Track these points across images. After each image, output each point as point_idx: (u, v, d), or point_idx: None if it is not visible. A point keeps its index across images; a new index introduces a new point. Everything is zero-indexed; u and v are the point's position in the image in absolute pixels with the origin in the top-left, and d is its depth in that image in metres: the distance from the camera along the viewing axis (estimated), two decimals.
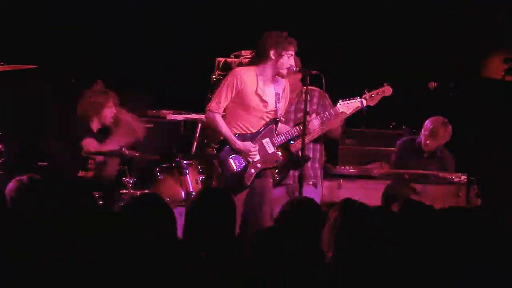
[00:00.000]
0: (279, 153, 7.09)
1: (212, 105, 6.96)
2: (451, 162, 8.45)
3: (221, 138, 7.02)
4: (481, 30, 10.68)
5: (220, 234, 4.39)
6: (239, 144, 6.95)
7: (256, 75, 6.97)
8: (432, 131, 8.32)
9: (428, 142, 8.34)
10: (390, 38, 10.48)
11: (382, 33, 10.47)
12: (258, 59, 7.03)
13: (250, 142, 6.98)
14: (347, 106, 7.15)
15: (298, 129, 7.04)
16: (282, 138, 7.08)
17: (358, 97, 7.17)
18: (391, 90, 7.24)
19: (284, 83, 7.13)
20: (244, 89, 6.93)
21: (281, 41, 6.92)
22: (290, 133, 7.07)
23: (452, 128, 8.39)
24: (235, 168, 6.96)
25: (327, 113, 7.18)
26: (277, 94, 7.07)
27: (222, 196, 4.62)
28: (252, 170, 6.99)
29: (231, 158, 6.97)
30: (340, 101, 7.17)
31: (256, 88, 6.97)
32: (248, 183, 6.95)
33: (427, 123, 8.38)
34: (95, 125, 7.99)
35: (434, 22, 10.45)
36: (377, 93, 7.24)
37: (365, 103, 7.14)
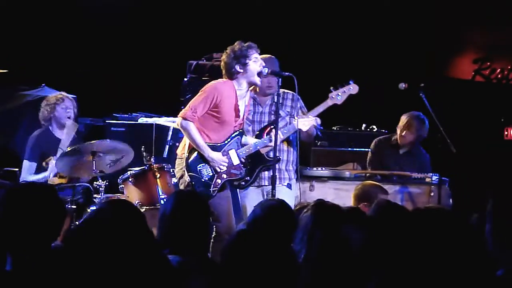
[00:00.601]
0: (243, 166, 7.12)
1: (188, 113, 6.95)
2: (426, 160, 8.48)
3: (192, 146, 7.01)
4: (449, 30, 10.77)
5: (193, 237, 4.38)
6: (212, 154, 6.98)
7: (234, 89, 7.03)
8: (408, 123, 8.34)
9: (403, 134, 8.34)
10: (360, 38, 10.53)
11: (352, 34, 10.52)
12: (228, 76, 7.06)
13: (220, 153, 7.01)
14: (303, 124, 7.19)
15: (263, 143, 7.10)
16: (247, 151, 7.13)
17: (312, 116, 7.20)
18: (357, 88, 7.27)
19: (248, 95, 7.21)
20: (222, 105, 6.98)
21: (240, 52, 6.98)
22: (255, 146, 7.12)
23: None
24: (203, 177, 6.99)
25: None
26: (246, 107, 7.17)
27: (196, 199, 4.61)
28: (218, 181, 7.03)
29: (200, 166, 7.00)
30: (298, 117, 7.21)
31: (235, 104, 7.02)
32: (214, 194, 6.98)
33: (403, 117, 8.41)
34: (55, 131, 7.96)
35: (404, 23, 10.51)
36: (343, 92, 7.26)
37: (319, 121, 7.18)
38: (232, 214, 7.07)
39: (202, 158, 7.01)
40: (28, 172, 7.80)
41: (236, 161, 7.12)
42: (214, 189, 7.02)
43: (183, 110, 7.06)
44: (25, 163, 7.86)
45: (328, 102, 7.27)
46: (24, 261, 3.57)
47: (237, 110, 7.07)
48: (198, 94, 7.10)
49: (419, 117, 8.30)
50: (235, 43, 7.09)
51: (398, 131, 8.40)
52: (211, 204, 6.89)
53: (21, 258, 3.59)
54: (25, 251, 3.62)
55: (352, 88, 7.27)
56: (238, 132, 7.15)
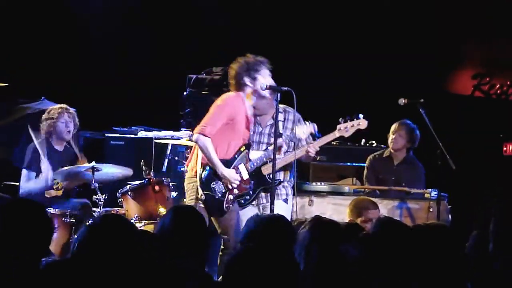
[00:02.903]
0: (251, 179, 7.13)
1: (207, 130, 6.93)
2: (422, 173, 8.49)
3: (204, 163, 7.01)
4: (449, 45, 10.78)
5: (190, 250, 4.38)
6: (226, 171, 6.98)
7: (244, 101, 7.06)
8: (398, 126, 8.44)
9: (394, 137, 8.40)
10: (360, 54, 10.54)
11: (352, 50, 10.52)
12: (236, 87, 7.07)
13: (233, 170, 7.02)
14: (302, 131, 7.21)
15: (267, 154, 7.12)
16: (255, 164, 7.15)
17: (309, 122, 7.22)
18: (366, 123, 7.28)
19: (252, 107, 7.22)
20: (237, 117, 7.02)
21: (252, 66, 6.99)
22: (263, 158, 7.13)
23: (421, 142, 8.43)
24: (216, 194, 6.99)
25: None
26: (253, 119, 7.20)
27: (192, 213, 4.61)
28: (231, 197, 7.04)
29: (214, 184, 7.00)
30: (296, 126, 7.22)
31: (246, 115, 7.05)
32: (227, 210, 6.98)
33: (392, 126, 8.50)
34: (56, 144, 7.96)
35: (404, 38, 10.52)
36: (352, 126, 7.26)
37: (316, 127, 7.20)
38: (240, 229, 7.04)
39: (215, 175, 7.01)
40: (26, 180, 7.79)
41: (245, 175, 7.12)
42: (227, 205, 7.01)
43: (199, 126, 7.01)
44: (24, 171, 7.85)
45: (336, 134, 7.27)
46: (12, 278, 3.56)
47: (248, 122, 7.11)
48: (212, 108, 7.09)
49: (408, 122, 8.38)
50: (248, 55, 7.09)
51: (389, 138, 8.44)
52: (223, 219, 6.94)
53: (9, 275, 3.58)
54: (12, 268, 3.61)
55: (361, 124, 7.28)
56: (245, 145, 7.14)
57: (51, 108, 8.02)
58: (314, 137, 7.31)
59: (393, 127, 8.46)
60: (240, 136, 7.10)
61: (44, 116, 7.98)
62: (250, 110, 7.17)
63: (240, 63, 7.08)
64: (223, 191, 7.02)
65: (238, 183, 7.04)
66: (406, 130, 8.39)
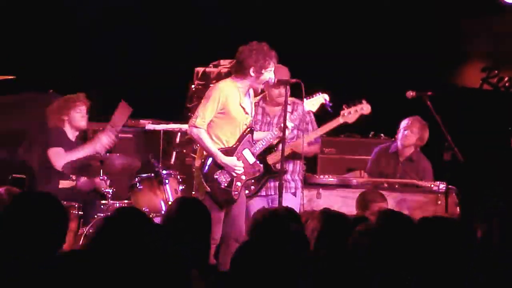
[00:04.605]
0: (259, 162, 7.12)
1: (198, 121, 6.93)
2: (429, 168, 8.46)
3: (204, 152, 7.01)
4: (455, 38, 10.75)
5: (196, 244, 4.39)
6: (226, 159, 6.96)
7: (237, 87, 7.00)
8: (409, 124, 8.34)
9: (406, 133, 8.31)
10: (368, 46, 10.52)
11: (360, 42, 10.51)
12: (237, 72, 7.04)
13: (234, 157, 6.99)
14: (312, 104, 7.19)
15: (273, 134, 7.09)
16: (260, 146, 7.11)
17: (319, 93, 7.21)
18: (370, 109, 7.27)
19: (251, 91, 7.18)
20: (229, 104, 6.96)
21: (260, 59, 6.94)
22: (267, 139, 7.12)
23: (429, 135, 8.41)
24: (222, 184, 6.98)
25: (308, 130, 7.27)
26: (251, 104, 7.16)
27: (198, 206, 4.62)
28: (238, 184, 7.02)
29: (216, 174, 6.98)
30: (305, 99, 7.19)
31: (239, 101, 7.00)
32: (237, 198, 6.98)
33: (403, 121, 8.40)
34: (69, 132, 7.91)
35: (412, 31, 10.50)
36: (355, 111, 7.27)
37: (327, 97, 7.18)
38: (243, 221, 7.04)
39: (217, 165, 7.00)
40: (59, 156, 7.65)
41: (251, 160, 7.09)
42: (235, 193, 6.99)
43: (192, 119, 7.04)
44: (52, 150, 7.68)
45: (340, 120, 7.28)
46: (30, 267, 3.59)
47: (243, 107, 7.05)
48: (203, 99, 7.09)
49: (421, 119, 8.32)
50: (263, 44, 7.02)
51: (400, 136, 8.37)
52: (235, 207, 6.92)
53: (27, 264, 3.61)
54: (30, 257, 3.63)
55: (365, 108, 7.28)
56: (248, 130, 7.11)
57: (68, 96, 7.96)
58: (326, 108, 7.27)
59: (405, 123, 8.36)
60: (239, 119, 7.03)
61: (57, 103, 7.92)
62: (248, 95, 7.11)
63: (251, 50, 6.97)
64: (229, 179, 7.01)
65: (241, 169, 7.01)
66: (419, 127, 8.32)
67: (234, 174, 6.99)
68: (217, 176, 6.98)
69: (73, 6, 10.21)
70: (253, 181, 7.19)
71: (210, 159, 6.99)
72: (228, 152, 7.01)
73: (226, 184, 6.99)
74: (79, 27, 10.27)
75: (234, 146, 7.05)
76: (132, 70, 10.36)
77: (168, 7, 10.51)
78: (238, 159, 7.02)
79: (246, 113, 7.07)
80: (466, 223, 4.26)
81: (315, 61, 10.33)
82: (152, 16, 10.49)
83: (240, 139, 7.06)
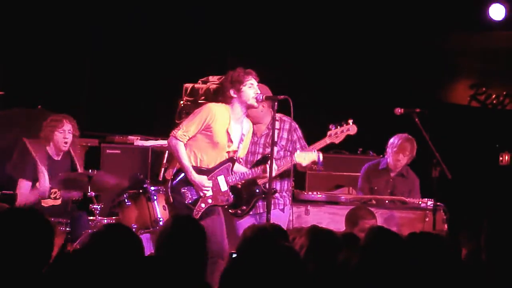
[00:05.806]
0: (231, 192, 7.10)
1: (179, 133, 6.95)
2: (416, 183, 8.50)
3: (178, 168, 7.01)
4: (444, 55, 10.80)
5: (192, 261, 4.38)
6: (196, 177, 6.95)
7: (229, 113, 7.02)
8: (401, 147, 8.37)
9: (399, 157, 8.37)
10: (356, 63, 10.55)
11: (348, 59, 10.54)
12: (223, 101, 7.07)
13: (205, 177, 6.99)
14: (304, 158, 7.20)
15: (254, 171, 7.09)
16: (236, 178, 7.11)
17: (315, 150, 7.21)
18: (356, 129, 7.28)
19: (249, 125, 7.20)
20: (215, 126, 6.96)
21: (235, 78, 7.00)
22: (246, 175, 7.11)
23: (417, 152, 8.44)
24: (187, 199, 6.96)
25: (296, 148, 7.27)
26: (241, 135, 7.13)
27: (192, 223, 4.61)
28: (202, 205, 6.99)
29: (184, 189, 6.97)
30: (299, 150, 7.22)
31: (227, 127, 7.01)
32: (197, 217, 6.91)
33: (394, 140, 8.42)
34: (53, 152, 7.92)
35: (400, 47, 10.54)
36: (342, 131, 7.26)
37: (321, 158, 7.19)
38: (225, 238, 7.02)
39: (187, 181, 6.99)
40: (23, 190, 7.75)
41: (224, 187, 7.07)
42: (196, 212, 6.94)
43: (175, 129, 7.04)
44: (21, 182, 7.79)
45: (326, 141, 7.28)
46: (17, 282, 3.57)
47: (229, 134, 7.05)
48: (192, 114, 7.10)
49: (409, 138, 8.35)
50: (236, 69, 7.10)
51: (392, 156, 8.41)
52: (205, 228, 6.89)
53: (14, 280, 3.59)
54: (14, 277, 3.61)
55: (351, 129, 7.29)
56: (230, 158, 7.11)
57: (52, 117, 7.98)
58: (319, 165, 7.29)
59: (395, 143, 8.39)
60: (222, 145, 7.03)
61: (44, 123, 7.94)
62: (239, 124, 7.12)
63: (225, 77, 7.09)
64: (195, 198, 6.99)
65: (209, 191, 7.00)
66: (410, 149, 8.38)
67: (201, 194, 6.98)
68: (184, 191, 6.97)
69: (62, 22, 10.21)
70: (243, 205, 7.19)
71: (183, 174, 6.99)
72: (204, 172, 7.00)
73: (190, 201, 6.96)
74: (68, 43, 10.27)
75: (211, 168, 7.03)
76: (120, 86, 10.36)
77: (158, 23, 10.52)
78: (209, 181, 7.01)
79: (230, 140, 7.05)
80: (453, 240, 4.27)
81: (304, 78, 10.37)
82: (141, 32, 10.49)
83: (219, 165, 7.05)
